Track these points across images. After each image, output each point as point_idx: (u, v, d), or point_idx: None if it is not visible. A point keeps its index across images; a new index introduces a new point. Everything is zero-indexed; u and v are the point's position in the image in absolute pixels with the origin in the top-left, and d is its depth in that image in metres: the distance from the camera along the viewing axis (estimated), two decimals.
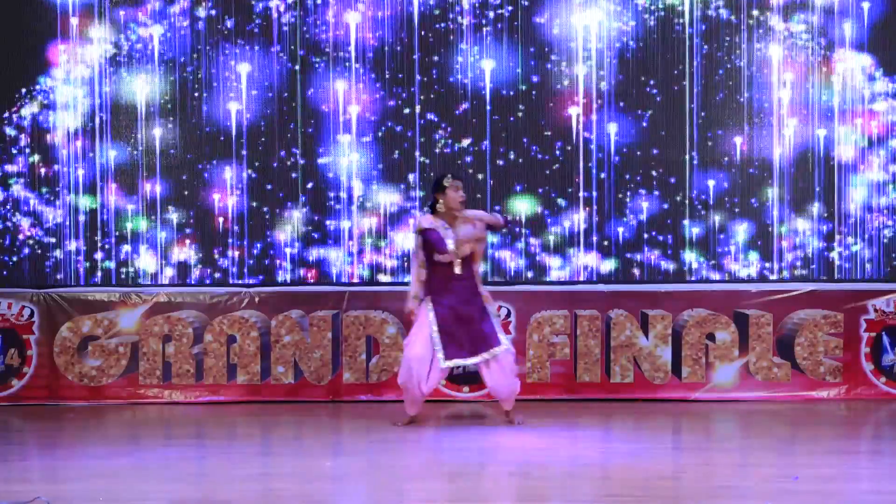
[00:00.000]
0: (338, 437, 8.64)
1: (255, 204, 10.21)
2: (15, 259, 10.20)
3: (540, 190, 10.19)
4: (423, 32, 10.17)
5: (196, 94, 10.19)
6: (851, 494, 6.53)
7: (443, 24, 10.17)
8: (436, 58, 10.18)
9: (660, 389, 9.83)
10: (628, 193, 10.19)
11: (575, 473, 7.16)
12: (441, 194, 8.55)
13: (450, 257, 8.48)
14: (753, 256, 10.17)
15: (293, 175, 10.18)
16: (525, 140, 10.17)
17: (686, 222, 10.18)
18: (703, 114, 10.16)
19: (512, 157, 10.18)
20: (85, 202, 10.19)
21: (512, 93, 10.17)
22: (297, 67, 10.15)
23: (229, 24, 10.15)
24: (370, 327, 9.83)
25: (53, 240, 10.18)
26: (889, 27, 10.15)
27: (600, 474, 7.15)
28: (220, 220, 10.21)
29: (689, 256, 10.18)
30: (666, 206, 10.19)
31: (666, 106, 10.17)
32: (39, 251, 10.20)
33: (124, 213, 10.23)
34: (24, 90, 10.16)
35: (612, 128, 10.17)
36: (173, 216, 10.21)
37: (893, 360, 9.87)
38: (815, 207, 10.17)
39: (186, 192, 10.22)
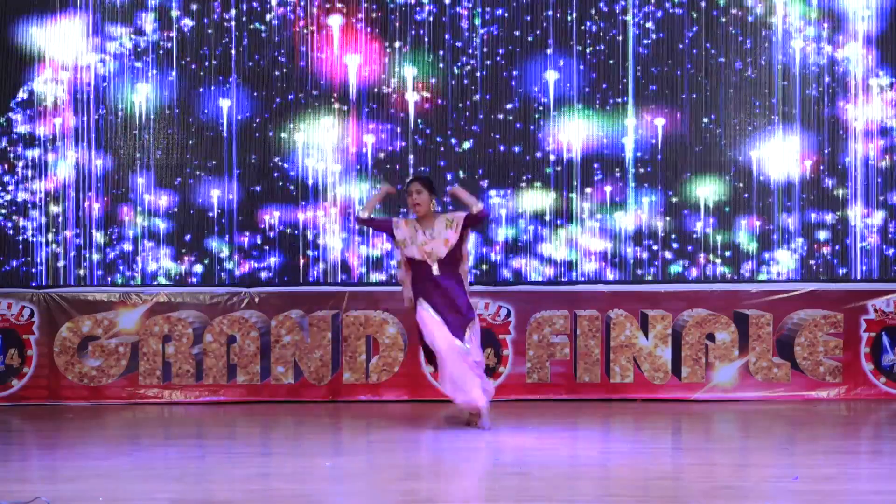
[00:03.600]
0: (338, 437, 8.64)
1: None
2: (15, 259, 10.19)
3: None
4: None
5: (193, 94, 10.18)
6: (851, 494, 6.53)
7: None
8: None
9: (660, 389, 9.83)
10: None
11: (575, 473, 7.17)
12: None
13: (415, 253, 8.44)
14: (754, 251, 10.19)
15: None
16: None
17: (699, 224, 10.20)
18: (712, 116, 10.17)
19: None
20: (84, 202, 10.19)
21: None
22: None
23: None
24: (370, 327, 9.84)
25: (51, 239, 10.19)
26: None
27: (600, 474, 7.15)
28: (219, 218, 10.22)
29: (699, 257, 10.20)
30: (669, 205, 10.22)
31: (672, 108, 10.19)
32: (39, 251, 10.19)
33: (125, 212, 10.22)
34: (22, 91, 10.16)
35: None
36: (172, 214, 10.21)
37: (893, 360, 9.87)
38: (817, 208, 10.18)
39: (186, 191, 10.22)
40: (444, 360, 8.35)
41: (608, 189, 10.19)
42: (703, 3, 10.13)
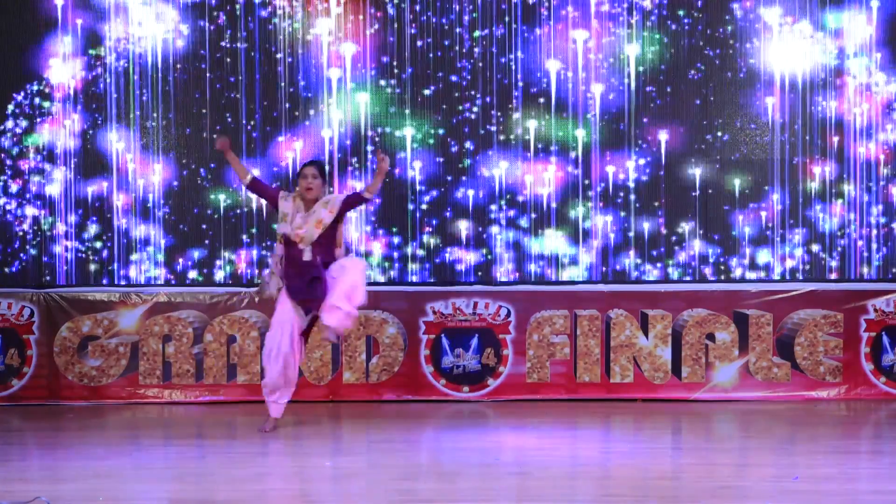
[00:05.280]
0: (338, 437, 8.64)
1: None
2: (15, 259, 10.19)
3: None
4: None
5: (198, 93, 10.18)
6: (851, 494, 6.53)
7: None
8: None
9: (660, 389, 9.84)
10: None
11: (575, 473, 7.17)
12: (298, 180, 8.47)
13: (288, 230, 8.33)
14: (761, 256, 10.18)
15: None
16: None
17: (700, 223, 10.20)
18: (716, 121, 10.17)
19: None
20: (85, 202, 10.19)
21: None
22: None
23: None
24: (370, 327, 9.83)
25: (52, 239, 10.19)
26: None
27: (600, 474, 7.15)
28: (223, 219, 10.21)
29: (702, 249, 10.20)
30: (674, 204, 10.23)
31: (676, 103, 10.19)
32: (39, 251, 10.19)
33: (126, 213, 10.22)
34: (23, 91, 10.16)
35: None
36: (175, 215, 10.21)
37: (893, 360, 9.87)
38: (818, 208, 10.17)
39: (190, 192, 10.22)
40: (278, 360, 8.32)
41: (611, 192, 10.22)
42: (704, 15, 10.16)
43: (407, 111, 10.17)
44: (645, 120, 10.15)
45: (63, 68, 10.16)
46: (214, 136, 9.47)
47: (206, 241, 10.20)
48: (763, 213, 10.17)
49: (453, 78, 10.16)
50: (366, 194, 8.48)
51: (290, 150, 10.18)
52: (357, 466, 7.46)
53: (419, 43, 10.15)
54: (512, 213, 10.18)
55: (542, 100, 10.17)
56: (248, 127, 10.18)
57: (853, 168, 10.17)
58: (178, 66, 10.16)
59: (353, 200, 8.53)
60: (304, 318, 8.40)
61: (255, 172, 9.49)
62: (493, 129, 10.17)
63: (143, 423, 9.21)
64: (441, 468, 7.39)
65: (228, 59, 10.17)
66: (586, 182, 10.19)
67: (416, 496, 6.62)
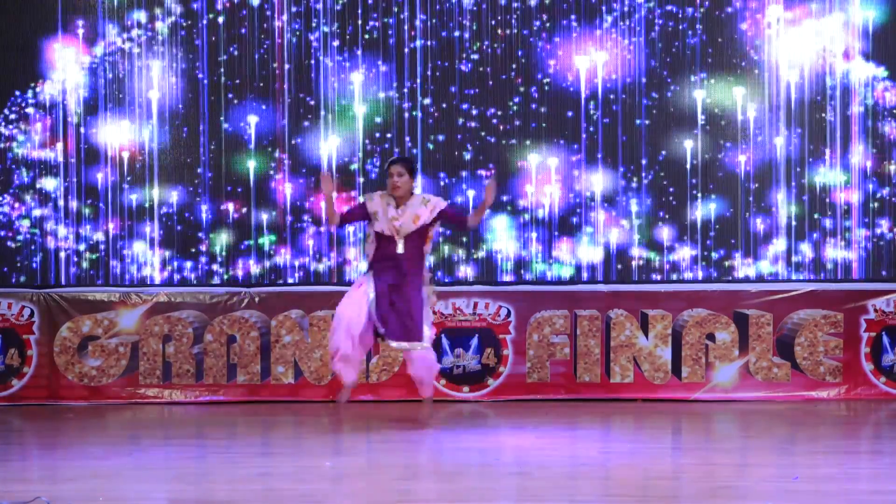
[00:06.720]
0: (338, 437, 8.64)
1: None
2: (15, 259, 10.19)
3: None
4: None
5: (202, 94, 10.18)
6: (851, 494, 6.52)
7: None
8: None
9: (660, 389, 9.84)
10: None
11: (575, 473, 7.16)
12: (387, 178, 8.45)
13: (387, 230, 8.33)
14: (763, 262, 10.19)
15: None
16: None
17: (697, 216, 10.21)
18: (722, 122, 10.18)
19: None
20: (85, 201, 10.19)
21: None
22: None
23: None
24: None
25: (54, 239, 10.19)
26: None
27: (600, 474, 7.14)
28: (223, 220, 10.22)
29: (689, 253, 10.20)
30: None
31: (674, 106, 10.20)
32: (39, 251, 10.19)
33: (127, 213, 10.23)
34: (22, 91, 10.17)
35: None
36: (173, 216, 10.22)
37: (893, 360, 9.87)
38: (818, 207, 10.18)
39: (190, 192, 10.22)
40: (342, 322, 8.37)
41: (615, 191, 10.23)
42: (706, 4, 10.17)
43: (407, 117, 10.18)
44: (647, 122, 10.16)
45: (62, 69, 10.16)
46: (321, 175, 9.34)
47: (205, 243, 10.21)
48: (766, 219, 10.17)
49: (452, 88, 10.17)
50: (469, 221, 8.45)
51: (290, 159, 10.20)
52: (357, 466, 7.46)
53: (420, 46, 10.16)
54: (512, 214, 10.19)
55: (543, 108, 10.17)
56: (246, 133, 10.18)
57: (856, 169, 10.17)
58: (177, 68, 10.16)
59: (452, 217, 8.50)
60: (377, 324, 8.40)
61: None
62: (492, 137, 10.18)
63: (143, 423, 9.21)
64: (441, 468, 7.39)
65: (228, 63, 10.17)
66: (587, 186, 10.20)
67: (416, 496, 6.62)
